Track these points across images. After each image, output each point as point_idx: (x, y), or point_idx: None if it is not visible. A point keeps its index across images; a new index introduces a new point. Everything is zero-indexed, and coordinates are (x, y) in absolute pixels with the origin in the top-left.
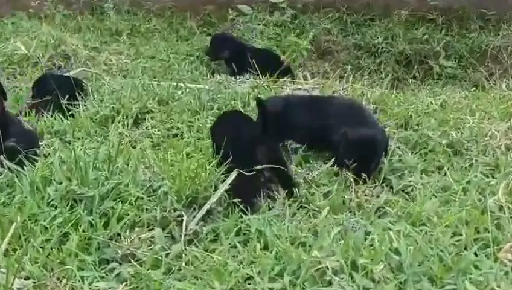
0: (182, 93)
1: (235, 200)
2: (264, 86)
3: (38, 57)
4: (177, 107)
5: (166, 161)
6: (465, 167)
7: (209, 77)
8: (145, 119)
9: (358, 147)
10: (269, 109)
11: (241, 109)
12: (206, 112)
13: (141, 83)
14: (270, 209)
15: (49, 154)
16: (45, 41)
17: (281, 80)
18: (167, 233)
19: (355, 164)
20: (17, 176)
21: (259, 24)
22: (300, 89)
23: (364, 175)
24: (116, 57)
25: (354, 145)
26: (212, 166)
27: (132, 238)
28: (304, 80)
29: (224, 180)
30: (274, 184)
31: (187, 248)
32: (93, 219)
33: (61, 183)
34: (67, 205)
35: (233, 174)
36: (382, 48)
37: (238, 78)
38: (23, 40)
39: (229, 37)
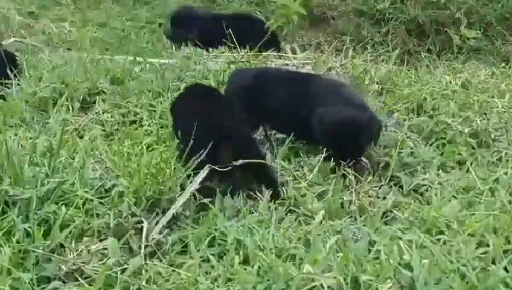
0: (141, 70)
1: (205, 199)
2: (243, 61)
3: None
4: (135, 88)
5: (121, 155)
6: (493, 162)
7: (175, 50)
8: (95, 102)
9: (335, 132)
10: (236, 84)
11: None
12: (171, 94)
13: (89, 58)
14: (251, 213)
15: None
16: None
17: (265, 53)
18: (123, 244)
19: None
20: None
21: None
22: (288, 64)
23: (370, 170)
24: (58, 24)
25: (329, 130)
26: (177, 160)
27: (79, 250)
28: (293, 53)
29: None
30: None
31: (148, 262)
32: (30, 227)
33: None
34: None
35: (205, 171)
36: (389, 14)
37: (210, 51)
38: None
39: (193, 11)
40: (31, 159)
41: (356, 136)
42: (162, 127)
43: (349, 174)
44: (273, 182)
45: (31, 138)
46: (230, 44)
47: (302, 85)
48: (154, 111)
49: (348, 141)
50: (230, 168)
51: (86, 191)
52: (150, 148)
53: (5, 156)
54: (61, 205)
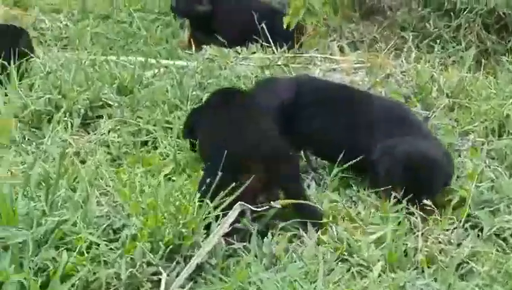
0: (154, 76)
1: (236, 245)
2: (279, 65)
3: None
4: (147, 98)
5: (132, 186)
6: None
7: (195, 50)
8: (98, 117)
9: (406, 171)
10: (270, 96)
11: None
12: (191, 106)
13: (90, 59)
14: (293, 261)
15: None
16: None
17: (307, 55)
18: None
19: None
20: None
21: None
22: (335, 69)
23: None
24: (52, 16)
25: (399, 168)
26: (202, 194)
27: None
28: (341, 53)
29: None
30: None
31: None
32: (25, 278)
33: None
34: None
35: (236, 210)
36: (461, 3)
37: (240, 50)
38: None
39: None
40: (25, 192)
41: (431, 175)
42: (181, 150)
43: (413, 214)
44: (316, 216)
45: (22, 164)
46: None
47: (353, 104)
48: (171, 129)
49: (420, 181)
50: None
51: (91, 233)
52: (168, 177)
53: None
54: (62, 250)
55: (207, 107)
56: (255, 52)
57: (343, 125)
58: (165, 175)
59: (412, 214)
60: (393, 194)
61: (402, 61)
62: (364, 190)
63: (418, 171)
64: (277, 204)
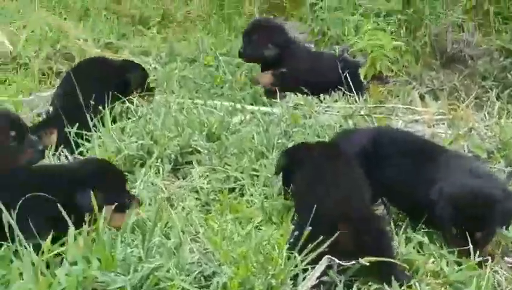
0: (241, 123)
1: None
2: (362, 115)
3: (28, 58)
4: (234, 146)
5: (222, 234)
6: None
7: (279, 97)
8: (187, 163)
9: (461, 208)
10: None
11: None
12: (277, 154)
13: (179, 104)
14: None
15: None
16: (39, 33)
17: (390, 105)
18: None
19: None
20: (15, 251)
21: (353, 14)
22: (417, 121)
23: None
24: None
25: (454, 205)
26: (291, 246)
27: None
28: (421, 100)
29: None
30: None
31: None
32: None
33: (75, 264)
34: None
35: (323, 264)
36: None
37: (323, 99)
38: (7, 30)
39: (279, 26)
40: (122, 238)
41: (487, 213)
42: (266, 198)
43: (497, 272)
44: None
45: None
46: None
47: (429, 158)
48: (257, 176)
49: (476, 219)
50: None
51: (183, 280)
52: (257, 227)
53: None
54: None
55: (300, 160)
56: (337, 101)
57: (418, 178)
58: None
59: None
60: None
61: (485, 114)
62: (443, 245)
63: (468, 208)
64: (364, 261)
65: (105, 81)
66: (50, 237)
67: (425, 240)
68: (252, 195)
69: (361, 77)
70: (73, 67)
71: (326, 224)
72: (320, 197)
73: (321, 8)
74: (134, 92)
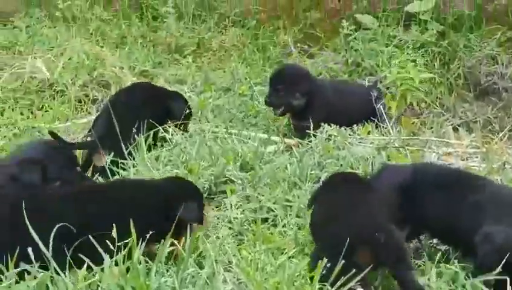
0: (275, 153)
1: None
2: (396, 147)
3: (65, 85)
4: (268, 176)
5: (255, 265)
6: None
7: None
8: (221, 192)
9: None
10: (389, 181)
11: None
12: (310, 185)
13: (213, 133)
14: None
15: None
16: (76, 60)
17: (423, 138)
18: None
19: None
20: (51, 278)
21: (387, 45)
22: (451, 153)
23: None
24: (176, 87)
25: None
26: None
27: None
28: (454, 132)
29: None
30: None
31: None
32: None
33: None
34: None
35: None
36: None
37: (357, 129)
38: (45, 57)
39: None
40: (157, 268)
41: None
42: (299, 229)
43: None
44: None
45: None
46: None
47: (471, 191)
48: (290, 207)
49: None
50: None
51: None
52: (289, 258)
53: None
54: None
55: (323, 190)
56: (370, 132)
57: (460, 212)
58: (282, 251)
59: None
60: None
61: None
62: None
63: None
64: None
65: (145, 109)
66: (85, 265)
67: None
68: (284, 226)
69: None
70: (116, 93)
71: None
72: (343, 227)
73: (355, 38)
74: (170, 121)
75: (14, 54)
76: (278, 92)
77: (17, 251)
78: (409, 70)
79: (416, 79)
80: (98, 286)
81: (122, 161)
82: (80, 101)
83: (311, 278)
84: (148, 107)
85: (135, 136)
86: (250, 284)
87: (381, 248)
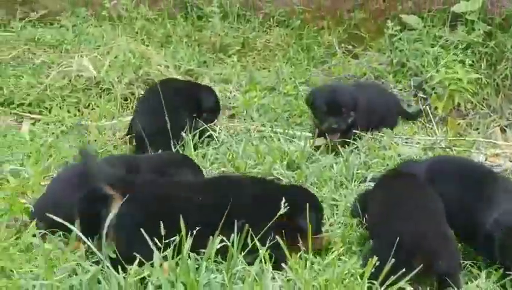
0: (321, 153)
1: None
2: (443, 147)
3: (111, 83)
4: (314, 175)
5: (304, 263)
6: None
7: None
8: None
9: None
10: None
11: None
12: (356, 184)
13: (258, 132)
14: None
15: None
16: (122, 59)
17: (471, 138)
18: None
19: None
20: (102, 270)
21: (432, 45)
22: (498, 154)
23: None
24: (221, 86)
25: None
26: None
27: None
28: (502, 133)
29: None
30: None
31: None
32: None
33: (160, 288)
34: None
35: None
36: None
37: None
38: (92, 55)
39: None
40: (207, 264)
41: None
42: (346, 227)
43: None
44: None
45: None
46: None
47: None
48: (337, 206)
49: None
50: None
51: None
52: (339, 258)
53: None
54: None
55: (377, 188)
56: (416, 133)
57: (472, 205)
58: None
59: None
60: None
61: None
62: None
63: None
64: None
65: (182, 104)
66: (137, 260)
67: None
68: (331, 224)
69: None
70: (148, 90)
71: (405, 255)
72: (399, 228)
73: (400, 39)
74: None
75: (61, 52)
76: (339, 115)
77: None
78: (457, 71)
79: (464, 79)
80: (147, 281)
81: None
82: (125, 99)
83: (361, 276)
84: (184, 101)
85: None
86: (299, 282)
87: (439, 259)
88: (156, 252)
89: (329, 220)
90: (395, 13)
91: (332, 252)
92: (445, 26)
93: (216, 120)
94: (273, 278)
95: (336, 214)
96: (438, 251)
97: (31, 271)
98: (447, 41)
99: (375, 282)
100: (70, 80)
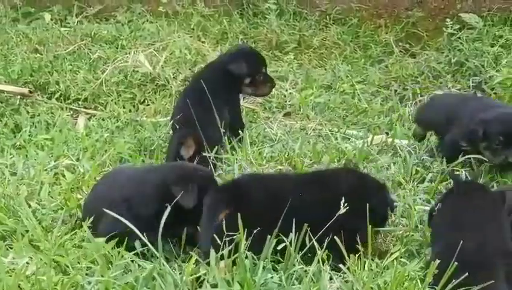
0: (378, 152)
1: None
2: None
3: (167, 79)
4: (372, 174)
5: (362, 264)
6: None
7: None
8: None
9: None
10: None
11: None
12: (415, 184)
13: (314, 130)
14: None
15: None
16: (178, 55)
17: None
18: None
19: None
20: (159, 270)
21: (492, 45)
22: None
23: None
24: (278, 84)
25: None
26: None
27: None
28: None
29: None
30: None
31: None
32: None
33: (216, 287)
34: None
35: None
36: None
37: None
38: (148, 51)
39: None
40: (264, 263)
41: None
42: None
43: None
44: None
45: None
46: None
47: None
48: (395, 207)
49: None
50: None
51: None
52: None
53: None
54: None
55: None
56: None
57: None
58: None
59: None
60: None
61: None
62: None
63: None
64: None
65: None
66: (193, 259)
67: None
68: (389, 225)
69: None
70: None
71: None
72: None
73: (459, 38)
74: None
75: (117, 48)
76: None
77: None
78: None
79: None
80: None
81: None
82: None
83: (422, 280)
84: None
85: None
86: (357, 284)
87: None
88: (212, 250)
89: (388, 221)
90: (454, 12)
91: (391, 254)
92: (506, 25)
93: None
94: (331, 278)
95: (394, 215)
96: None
97: (87, 267)
98: (508, 41)
99: (435, 287)
100: (126, 76)
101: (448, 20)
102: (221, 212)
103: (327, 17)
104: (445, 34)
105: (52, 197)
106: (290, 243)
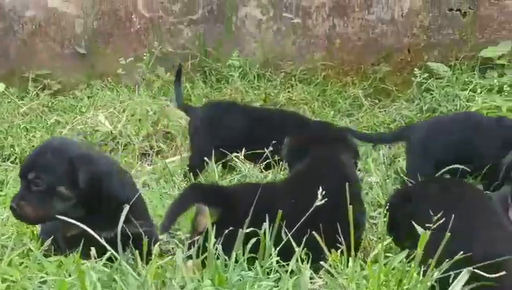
0: None
1: None
2: None
3: (129, 136)
4: None
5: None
6: None
7: None
8: None
9: None
10: None
11: None
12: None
13: None
14: None
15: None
16: (139, 113)
17: None
18: None
19: None
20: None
21: (463, 89)
22: None
23: None
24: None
25: None
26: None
27: None
28: None
29: None
30: None
31: None
32: None
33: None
34: None
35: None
36: None
37: None
38: (107, 112)
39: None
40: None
41: None
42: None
43: None
44: None
45: None
46: None
47: None
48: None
49: None
50: None
51: None
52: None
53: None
54: None
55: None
56: None
57: None
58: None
59: None
60: None
61: None
62: None
63: None
64: None
65: None
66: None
67: None
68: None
69: None
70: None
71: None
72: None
73: (429, 85)
74: None
75: (76, 114)
76: None
77: None
78: (495, 99)
79: (504, 107)
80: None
81: None
82: (143, 154)
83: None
84: None
85: None
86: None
87: None
88: (178, 250)
89: None
90: (421, 63)
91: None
92: (475, 71)
93: None
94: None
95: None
96: None
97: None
98: (477, 85)
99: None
100: (85, 137)
101: (416, 70)
102: (191, 203)
103: (292, 78)
104: (414, 83)
105: None
106: (264, 233)
